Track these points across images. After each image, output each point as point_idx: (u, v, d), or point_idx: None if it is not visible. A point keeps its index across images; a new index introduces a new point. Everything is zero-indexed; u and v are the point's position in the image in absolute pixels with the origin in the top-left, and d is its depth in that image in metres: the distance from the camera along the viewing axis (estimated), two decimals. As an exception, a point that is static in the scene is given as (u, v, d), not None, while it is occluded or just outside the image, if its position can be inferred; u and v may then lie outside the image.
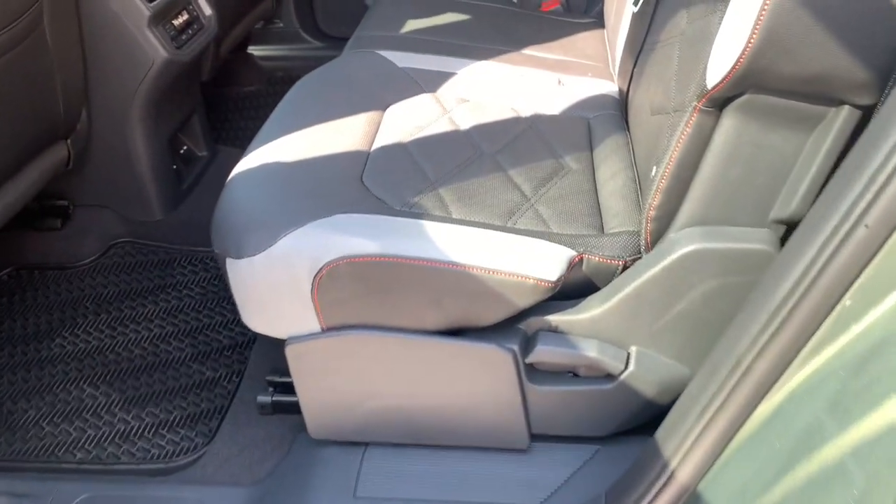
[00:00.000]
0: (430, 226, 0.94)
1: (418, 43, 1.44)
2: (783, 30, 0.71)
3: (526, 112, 1.26)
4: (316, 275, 0.89)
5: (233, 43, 2.01)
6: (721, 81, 0.77)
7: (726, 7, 0.85)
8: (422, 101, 1.26)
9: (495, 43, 1.47)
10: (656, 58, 1.09)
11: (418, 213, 0.97)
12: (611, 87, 1.36)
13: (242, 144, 2.20)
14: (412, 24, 1.52)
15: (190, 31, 1.63)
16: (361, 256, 0.89)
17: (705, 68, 0.82)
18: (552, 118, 1.26)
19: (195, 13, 1.67)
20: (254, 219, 0.94)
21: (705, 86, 0.80)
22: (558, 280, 0.90)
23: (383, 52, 1.38)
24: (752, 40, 0.72)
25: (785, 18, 0.71)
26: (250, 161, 1.07)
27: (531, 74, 1.36)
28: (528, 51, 1.45)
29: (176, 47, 1.56)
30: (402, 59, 1.37)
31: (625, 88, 1.27)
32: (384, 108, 1.24)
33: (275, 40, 2.50)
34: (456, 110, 1.24)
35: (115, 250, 1.65)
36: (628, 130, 1.22)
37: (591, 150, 1.19)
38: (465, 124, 1.21)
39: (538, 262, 0.91)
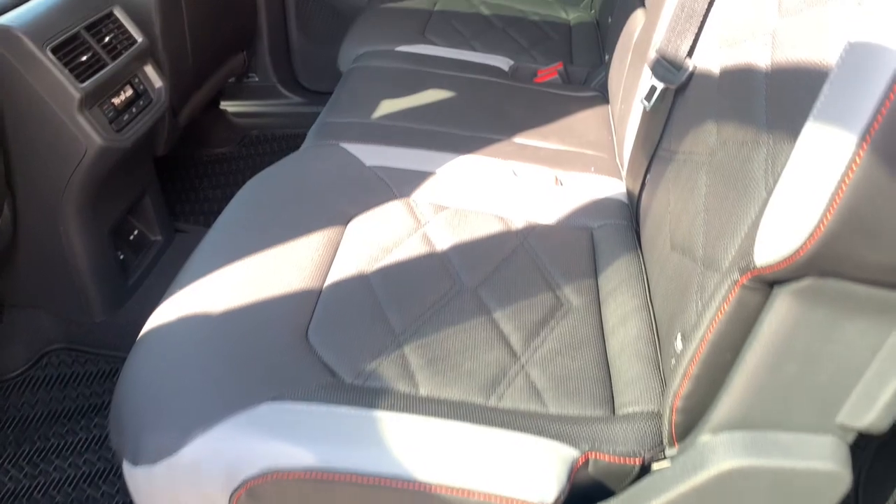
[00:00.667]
0: (387, 420, 0.72)
1: (391, 132, 1.22)
2: (869, 210, 0.50)
3: (517, 222, 1.05)
4: (233, 493, 0.67)
5: (195, 109, 1.80)
6: (776, 264, 0.56)
7: (773, 143, 0.64)
8: (391, 210, 1.05)
9: (482, 128, 1.26)
10: (676, 174, 0.88)
11: (375, 393, 0.75)
12: (617, 187, 1.15)
13: (208, 220, 2.01)
14: (387, 105, 1.31)
15: (134, 110, 1.42)
16: (293, 471, 0.67)
17: (750, 230, 0.61)
18: (548, 230, 1.05)
19: (141, 87, 1.46)
20: (155, 411, 0.72)
21: (752, 260, 0.59)
22: (557, 500, 0.68)
23: (349, 146, 1.17)
24: (825, 221, 0.51)
25: (873, 195, 0.49)
26: (166, 312, 0.85)
27: (524, 171, 1.15)
28: (521, 138, 1.24)
29: (115, 130, 1.35)
30: (372, 155, 1.16)
31: (635, 192, 1.06)
32: (346, 221, 1.02)
33: (249, 95, 2.30)
34: (432, 223, 1.03)
35: (47, 360, 1.44)
36: (640, 250, 1.01)
37: (596, 275, 0.98)
38: (442, 242, 0.99)
39: (530, 475, 0.68)
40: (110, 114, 1.36)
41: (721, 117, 0.78)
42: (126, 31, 1.43)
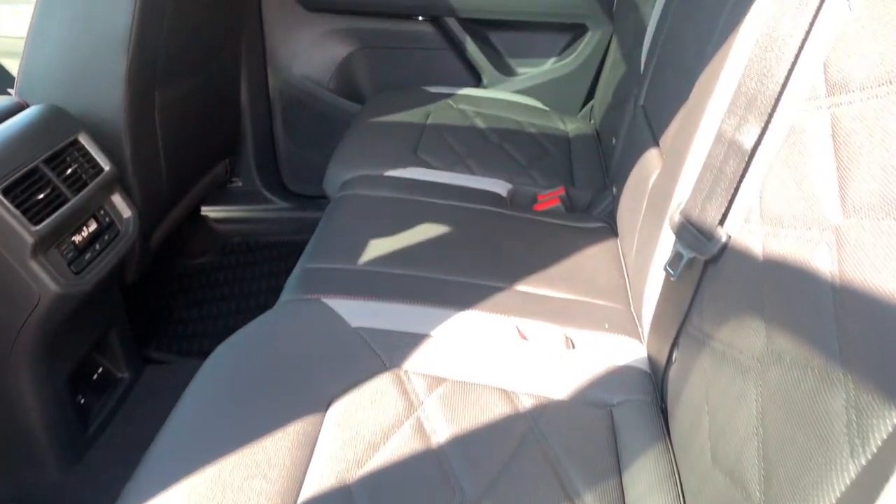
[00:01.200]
0: None
1: (380, 282, 1.10)
2: None
3: (525, 399, 0.91)
4: None
5: (170, 228, 1.68)
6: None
7: (856, 393, 0.51)
8: (380, 388, 0.91)
9: (481, 273, 1.14)
10: (715, 367, 0.75)
11: None
12: (636, 351, 1.01)
13: (182, 346, 1.87)
14: (375, 246, 1.19)
15: (98, 246, 1.29)
16: None
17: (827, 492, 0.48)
18: (561, 409, 0.91)
19: (107, 220, 1.34)
20: None
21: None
22: None
23: (332, 302, 1.04)
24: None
25: None
26: None
27: (530, 330, 1.02)
28: (525, 285, 1.12)
29: (75, 273, 1.22)
30: (358, 313, 1.02)
31: (660, 365, 0.93)
32: (326, 405, 0.88)
33: (232, 200, 2.19)
34: (427, 404, 0.89)
35: (-9, 527, 1.27)
36: (668, 438, 0.87)
37: (620, 471, 0.83)
38: (439, 433, 0.85)
39: None
40: (70, 254, 1.23)
41: (770, 317, 0.66)
42: (92, 158, 1.32)
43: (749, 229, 0.75)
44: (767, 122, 0.74)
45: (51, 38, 1.33)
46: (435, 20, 2.01)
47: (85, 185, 1.28)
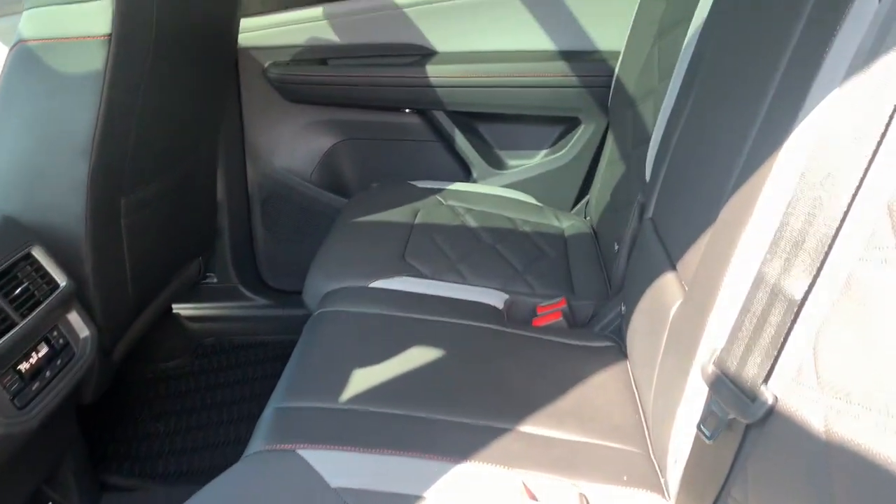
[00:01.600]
0: None
1: (363, 426, 0.96)
2: None
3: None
4: None
5: (134, 339, 1.54)
6: None
7: None
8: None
9: (478, 411, 1.01)
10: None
11: None
12: (660, 507, 0.88)
13: (145, 468, 1.69)
14: (358, 378, 1.06)
15: (48, 373, 1.15)
16: None
17: None
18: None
19: (61, 341, 1.20)
20: None
21: None
22: None
23: (309, 454, 0.90)
24: None
25: None
26: None
27: (537, 485, 0.89)
28: (529, 426, 0.99)
29: (18, 407, 1.08)
30: (338, 468, 0.89)
31: None
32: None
33: (206, 297, 2.06)
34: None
35: None
36: None
37: None
38: None
39: None
40: (14, 386, 1.09)
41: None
42: (46, 274, 1.19)
43: (802, 394, 0.63)
44: (819, 269, 0.64)
45: (6, 140, 1.22)
46: (422, 112, 1.94)
47: (38, 303, 1.15)
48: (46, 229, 1.24)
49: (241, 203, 2.02)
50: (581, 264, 1.50)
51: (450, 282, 1.37)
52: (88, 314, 1.28)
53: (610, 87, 1.75)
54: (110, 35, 1.16)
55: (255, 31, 1.86)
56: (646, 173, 1.25)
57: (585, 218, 1.81)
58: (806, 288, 0.64)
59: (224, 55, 1.70)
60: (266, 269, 2.10)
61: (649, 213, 1.14)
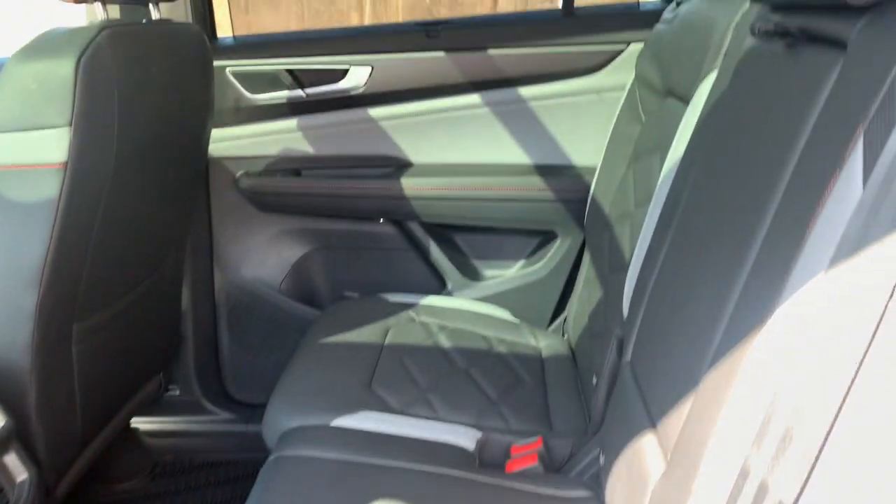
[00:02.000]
0: None
1: None
2: None
3: None
4: None
5: (82, 470, 1.44)
6: None
7: None
8: None
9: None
10: None
11: None
12: None
13: None
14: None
15: (-25, 528, 1.06)
16: None
17: None
18: None
19: (-7, 490, 1.11)
20: None
21: None
22: None
23: None
24: None
25: None
26: None
27: None
28: None
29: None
30: None
31: None
32: None
33: (167, 411, 1.95)
34: None
35: None
36: None
37: None
38: None
39: None
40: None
41: None
42: (-19, 412, 1.11)
43: None
44: (811, 471, 0.58)
45: None
46: (397, 222, 1.91)
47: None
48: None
49: (208, 313, 1.95)
50: (559, 393, 1.43)
51: (419, 417, 1.30)
52: (29, 453, 1.19)
53: (586, 202, 1.73)
54: (66, 163, 1.12)
55: (226, 140, 1.84)
56: (623, 307, 1.21)
57: (563, 336, 1.75)
58: (797, 492, 0.58)
59: (194, 165, 1.66)
60: (231, 381, 2.01)
61: (627, 356, 1.09)
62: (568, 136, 1.79)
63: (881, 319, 0.55)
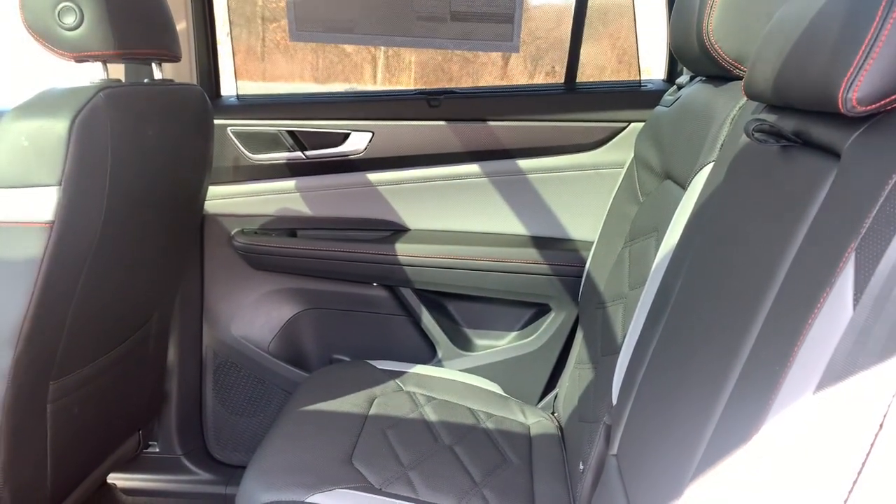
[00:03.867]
0: None
1: None
2: None
3: None
4: None
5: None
6: None
7: None
8: None
9: None
10: None
11: None
12: None
13: None
14: None
15: None
16: None
17: None
18: None
19: (-52, 558, 1.06)
20: None
21: None
22: None
23: None
24: None
25: None
26: None
27: None
28: None
29: None
30: None
31: None
32: None
33: (145, 468, 1.91)
34: None
35: None
36: None
37: None
38: None
39: None
40: None
41: None
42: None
43: None
44: None
45: None
46: (390, 287, 1.89)
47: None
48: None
49: (193, 369, 1.92)
50: (545, 477, 1.39)
51: (398, 497, 1.25)
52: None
53: (582, 276, 1.72)
54: (52, 223, 1.11)
55: (223, 198, 1.84)
56: (612, 394, 1.18)
57: (553, 413, 1.71)
58: None
59: (188, 222, 1.65)
60: (214, 440, 1.97)
61: (614, 449, 1.05)
62: (565, 209, 1.78)
63: (869, 454, 0.52)
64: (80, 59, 1.23)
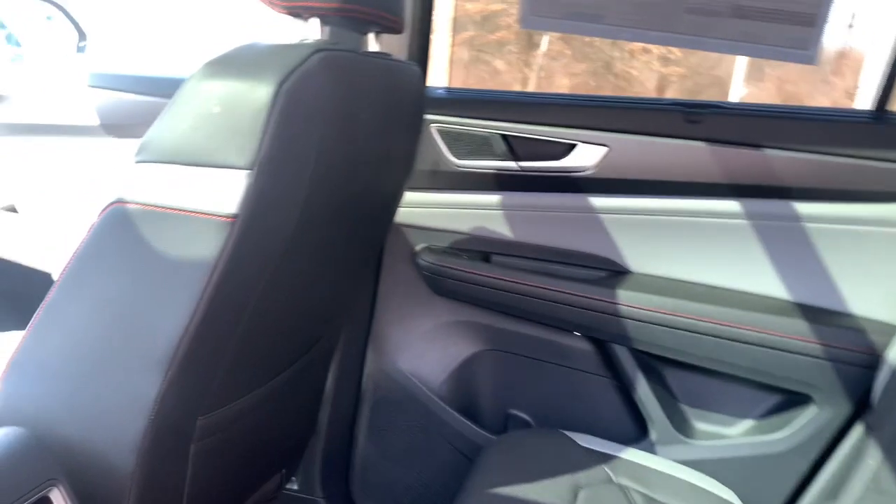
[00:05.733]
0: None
1: None
2: None
3: None
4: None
5: None
6: None
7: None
8: None
9: None
10: None
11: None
12: None
13: None
14: None
15: None
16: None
17: None
18: None
19: None
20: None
21: None
22: None
23: None
24: None
25: None
26: None
27: None
28: None
29: None
30: None
31: None
32: None
33: (279, 510, 1.64)
34: None
35: None
36: None
37: None
38: None
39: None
40: None
41: None
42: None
43: None
44: None
45: (67, 321, 0.89)
46: (597, 340, 1.52)
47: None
48: (83, 453, 0.87)
49: (349, 400, 1.63)
50: None
51: None
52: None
53: (868, 367, 1.28)
54: (235, 217, 0.83)
55: (412, 206, 1.54)
56: None
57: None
58: None
59: (380, 230, 1.37)
60: (359, 486, 1.67)
61: None
62: (854, 275, 1.35)
63: None
64: (291, 11, 0.96)
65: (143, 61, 1.84)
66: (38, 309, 0.92)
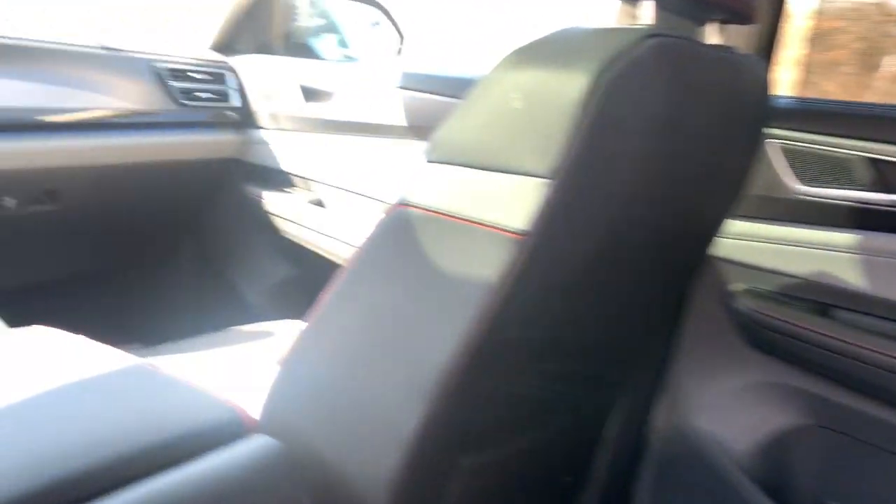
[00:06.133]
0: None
1: None
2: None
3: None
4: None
5: None
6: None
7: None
8: None
9: None
10: None
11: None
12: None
13: None
14: None
15: None
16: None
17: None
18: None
19: None
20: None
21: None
22: None
23: None
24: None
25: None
26: None
27: None
28: None
29: None
30: None
31: None
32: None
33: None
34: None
35: None
36: None
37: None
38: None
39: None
40: None
41: None
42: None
43: None
44: None
45: (329, 331, 0.82)
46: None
47: None
48: (335, 478, 0.79)
49: (626, 457, 1.41)
50: None
51: None
52: None
53: None
54: (526, 235, 0.68)
55: (733, 238, 1.28)
56: None
57: None
58: None
59: (692, 262, 1.15)
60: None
61: None
62: None
63: None
64: None
65: (457, 61, 1.82)
66: (316, 305, 0.86)
